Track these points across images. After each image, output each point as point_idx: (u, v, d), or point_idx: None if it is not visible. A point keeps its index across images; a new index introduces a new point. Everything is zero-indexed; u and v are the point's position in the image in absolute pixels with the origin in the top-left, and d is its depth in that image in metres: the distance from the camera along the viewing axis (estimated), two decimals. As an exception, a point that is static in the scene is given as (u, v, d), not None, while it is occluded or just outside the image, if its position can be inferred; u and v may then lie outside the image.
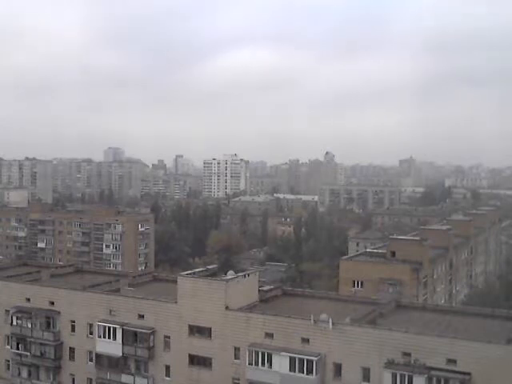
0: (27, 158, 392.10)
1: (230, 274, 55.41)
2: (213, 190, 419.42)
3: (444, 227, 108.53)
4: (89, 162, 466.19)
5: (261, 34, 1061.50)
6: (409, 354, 44.33)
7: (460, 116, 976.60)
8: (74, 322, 60.16)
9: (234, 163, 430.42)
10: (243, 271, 59.79)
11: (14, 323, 62.60)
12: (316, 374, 46.92)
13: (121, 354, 56.27)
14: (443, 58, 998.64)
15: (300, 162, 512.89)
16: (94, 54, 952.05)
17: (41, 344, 61.32)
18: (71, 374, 60.96)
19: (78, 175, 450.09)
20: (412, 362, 44.06)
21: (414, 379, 43.46)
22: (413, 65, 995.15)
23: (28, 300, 62.50)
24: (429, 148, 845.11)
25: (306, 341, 48.10)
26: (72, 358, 60.63)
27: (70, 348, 60.65)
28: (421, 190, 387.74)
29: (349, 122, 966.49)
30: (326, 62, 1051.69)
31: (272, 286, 62.79)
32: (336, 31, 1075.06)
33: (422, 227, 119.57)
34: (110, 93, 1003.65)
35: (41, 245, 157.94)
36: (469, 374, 42.36)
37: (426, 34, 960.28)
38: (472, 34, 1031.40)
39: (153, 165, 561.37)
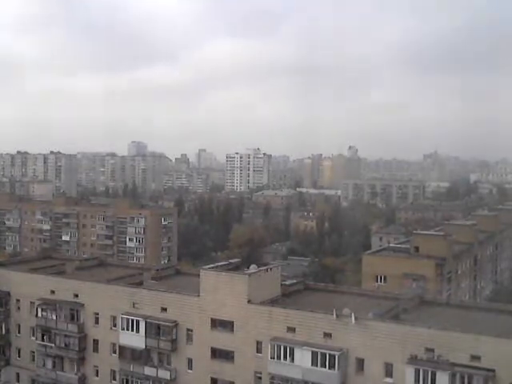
0: (52, 152, 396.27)
1: (253, 267, 55.36)
2: (235, 184, 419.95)
3: (469, 222, 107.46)
4: (112, 155, 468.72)
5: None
6: (432, 350, 43.92)
7: (485, 110, 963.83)
8: (97, 314, 60.74)
9: (257, 157, 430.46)
10: (266, 265, 59.69)
11: (39, 315, 63.43)
12: (338, 368, 46.74)
13: (144, 347, 56.64)
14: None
15: (323, 156, 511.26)
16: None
17: (65, 336, 62.02)
18: (95, 366, 61.61)
19: (102, 169, 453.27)
20: (435, 357, 43.66)
21: (438, 375, 43.02)
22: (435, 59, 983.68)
23: (53, 292, 63.25)
24: (454, 142, 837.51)
25: (328, 335, 47.95)
26: (96, 349, 61.23)
27: (93, 340, 61.24)
28: (445, 184, 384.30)
29: (373, 116, 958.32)
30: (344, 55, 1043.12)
31: (294, 281, 62.70)
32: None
33: (447, 222, 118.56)
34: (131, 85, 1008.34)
35: (65, 238, 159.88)
36: (493, 370, 41.84)
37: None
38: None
39: (176, 159, 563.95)
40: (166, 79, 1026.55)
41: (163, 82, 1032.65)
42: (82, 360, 62.11)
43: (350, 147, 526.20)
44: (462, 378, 42.50)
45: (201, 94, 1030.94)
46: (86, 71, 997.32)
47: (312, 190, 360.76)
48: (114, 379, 60.04)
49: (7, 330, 67.47)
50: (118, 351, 58.81)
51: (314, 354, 47.61)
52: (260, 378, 51.28)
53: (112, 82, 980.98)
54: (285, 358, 48.90)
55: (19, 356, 67.46)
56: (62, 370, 63.38)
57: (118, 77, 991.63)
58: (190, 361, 55.50)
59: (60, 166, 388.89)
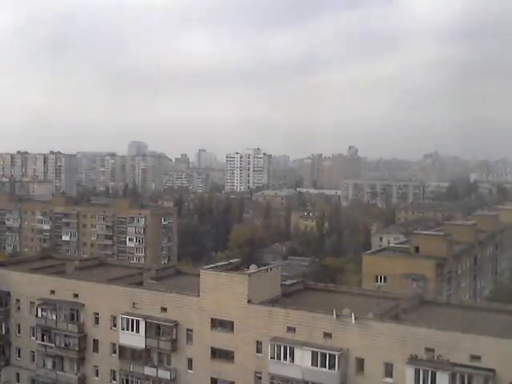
0: (52, 152, 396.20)
1: (253, 267, 55.40)
2: (235, 184, 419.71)
3: (469, 222, 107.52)
4: (112, 155, 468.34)
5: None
6: (432, 350, 43.93)
7: (485, 110, 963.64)
8: (97, 314, 60.75)
9: (257, 157, 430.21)
10: (266, 265, 59.70)
11: (39, 315, 63.42)
12: (338, 368, 46.75)
13: (144, 347, 56.65)
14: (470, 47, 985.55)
15: (323, 156, 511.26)
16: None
17: (65, 336, 62.00)
18: (95, 366, 61.59)
19: (102, 169, 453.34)
20: (435, 357, 43.67)
21: (438, 375, 43.03)
22: (437, 56, 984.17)
23: (53, 292, 63.26)
24: (453, 142, 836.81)
25: (328, 335, 47.97)
26: (96, 349, 61.22)
27: (93, 340, 61.24)
28: (445, 184, 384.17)
29: (371, 116, 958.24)
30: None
31: (294, 281, 62.74)
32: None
33: (447, 222, 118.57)
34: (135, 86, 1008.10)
35: (65, 238, 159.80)
36: (493, 370, 41.85)
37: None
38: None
39: (176, 159, 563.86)
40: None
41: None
42: (82, 360, 62.08)
43: (350, 147, 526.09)
44: (462, 377, 42.50)
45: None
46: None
47: (312, 190, 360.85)
48: (114, 379, 60.06)
49: (7, 330, 67.44)
50: (117, 351, 58.80)
51: (314, 354, 47.61)
52: (260, 378, 51.32)
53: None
54: (285, 358, 48.90)
55: (19, 356, 67.44)
56: (62, 369, 63.36)
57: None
58: (189, 361, 55.51)
59: (60, 165, 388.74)
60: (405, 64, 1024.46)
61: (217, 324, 53.63)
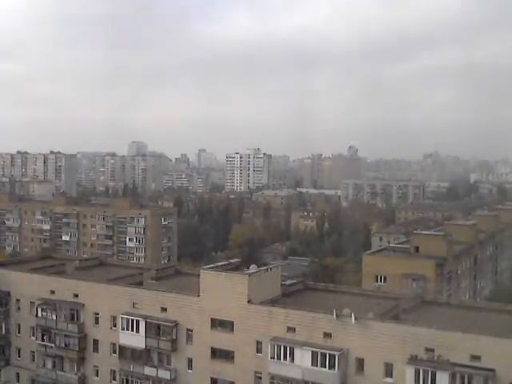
0: (52, 152, 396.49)
1: (253, 267, 55.34)
2: (235, 184, 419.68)
3: (469, 222, 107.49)
4: (112, 155, 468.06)
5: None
6: (432, 350, 43.90)
7: (485, 109, 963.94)
8: (97, 314, 60.72)
9: (257, 157, 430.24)
10: (266, 265, 59.66)
11: (39, 315, 63.40)
12: (338, 368, 46.72)
13: (144, 347, 56.62)
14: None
15: (323, 156, 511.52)
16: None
17: (65, 336, 61.97)
18: (95, 366, 61.57)
19: (102, 169, 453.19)
20: (435, 357, 43.65)
21: (438, 375, 43.00)
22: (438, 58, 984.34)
23: (53, 292, 63.23)
24: (454, 142, 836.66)
25: (328, 335, 47.94)
26: (96, 349, 61.19)
27: (93, 340, 61.21)
28: (445, 184, 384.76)
29: (373, 116, 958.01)
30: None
31: (294, 281, 62.71)
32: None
33: (447, 222, 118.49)
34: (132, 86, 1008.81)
35: (65, 238, 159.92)
36: (493, 370, 41.82)
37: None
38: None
39: (176, 159, 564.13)
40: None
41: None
42: (82, 360, 62.06)
43: (349, 147, 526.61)
44: (462, 378, 42.47)
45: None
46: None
47: (312, 190, 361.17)
48: (114, 379, 60.04)
49: (7, 330, 67.40)
50: (117, 351, 58.77)
51: (314, 354, 47.59)
52: (260, 378, 51.30)
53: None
54: (285, 358, 48.86)
55: (19, 356, 67.42)
56: (62, 369, 63.34)
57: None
58: (189, 361, 55.48)
59: (60, 165, 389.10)
60: (404, 64, 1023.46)
61: (217, 324, 53.61)
